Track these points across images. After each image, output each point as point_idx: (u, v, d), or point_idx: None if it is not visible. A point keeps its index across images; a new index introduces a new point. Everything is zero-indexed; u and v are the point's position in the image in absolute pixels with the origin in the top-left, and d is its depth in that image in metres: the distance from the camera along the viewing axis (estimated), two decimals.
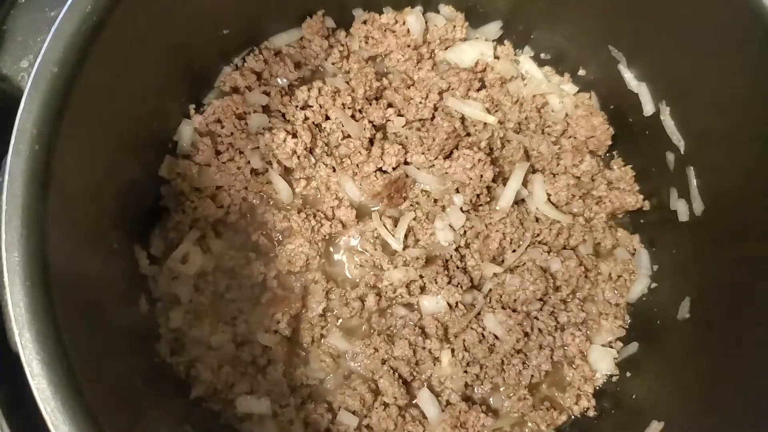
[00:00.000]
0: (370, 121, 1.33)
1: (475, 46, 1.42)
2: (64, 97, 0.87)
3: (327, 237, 1.31)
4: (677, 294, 1.24)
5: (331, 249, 1.33)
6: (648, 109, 1.29)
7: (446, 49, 1.44)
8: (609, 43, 1.30)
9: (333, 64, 1.41)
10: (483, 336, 1.27)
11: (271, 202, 1.32)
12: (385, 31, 1.40)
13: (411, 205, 1.34)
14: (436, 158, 1.32)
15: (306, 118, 1.32)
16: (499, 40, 1.46)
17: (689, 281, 1.24)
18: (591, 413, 1.29)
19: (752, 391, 1.01)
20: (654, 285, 1.34)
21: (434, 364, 1.26)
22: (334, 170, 1.33)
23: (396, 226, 1.31)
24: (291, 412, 1.20)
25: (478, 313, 1.28)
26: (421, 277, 1.28)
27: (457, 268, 1.29)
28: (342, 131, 1.32)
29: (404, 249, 1.30)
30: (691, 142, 1.22)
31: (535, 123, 1.41)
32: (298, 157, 1.30)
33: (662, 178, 1.29)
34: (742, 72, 1.04)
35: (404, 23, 1.40)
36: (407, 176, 1.33)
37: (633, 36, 1.25)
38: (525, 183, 1.34)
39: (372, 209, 1.34)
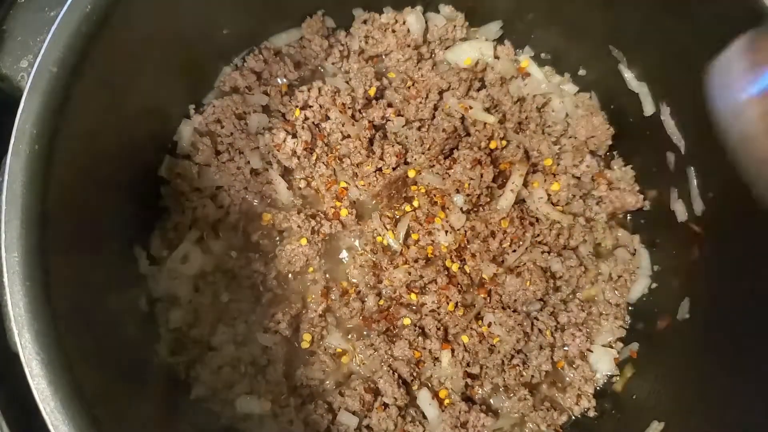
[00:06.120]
0: (370, 121, 1.33)
1: (475, 46, 1.42)
2: (63, 97, 0.87)
3: (327, 237, 1.31)
4: (677, 294, 1.24)
5: (331, 249, 1.33)
6: (648, 109, 1.29)
7: (446, 48, 1.43)
8: (609, 43, 1.30)
9: (333, 63, 1.41)
10: (483, 336, 1.27)
11: (271, 203, 1.32)
12: (385, 30, 1.40)
13: (411, 206, 1.34)
14: (436, 158, 1.32)
15: (306, 118, 1.32)
16: (500, 40, 1.45)
17: (689, 281, 1.24)
18: (591, 413, 1.29)
19: (752, 391, 1.01)
20: (654, 285, 1.34)
21: (434, 365, 1.26)
22: (334, 171, 1.33)
23: (396, 226, 1.31)
24: (291, 413, 1.20)
25: (478, 314, 1.28)
26: (421, 277, 1.28)
27: (458, 268, 1.29)
28: (342, 131, 1.32)
29: (404, 249, 1.30)
30: (691, 142, 1.22)
31: (535, 123, 1.40)
32: (298, 157, 1.30)
33: (662, 178, 1.29)
34: None
35: (404, 23, 1.40)
36: (407, 176, 1.33)
37: (633, 36, 1.25)
38: (525, 183, 1.34)
39: (372, 209, 1.34)
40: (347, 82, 1.37)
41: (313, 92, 1.33)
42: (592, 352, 1.31)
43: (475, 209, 1.33)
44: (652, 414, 1.17)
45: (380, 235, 1.30)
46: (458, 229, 1.31)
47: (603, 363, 1.31)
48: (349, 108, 1.32)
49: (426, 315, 1.28)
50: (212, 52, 1.32)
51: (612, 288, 1.34)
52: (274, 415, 1.21)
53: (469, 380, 1.26)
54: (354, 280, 1.31)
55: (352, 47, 1.42)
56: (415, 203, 1.34)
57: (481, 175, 1.28)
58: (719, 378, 1.09)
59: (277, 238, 1.31)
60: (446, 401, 1.25)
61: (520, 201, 1.35)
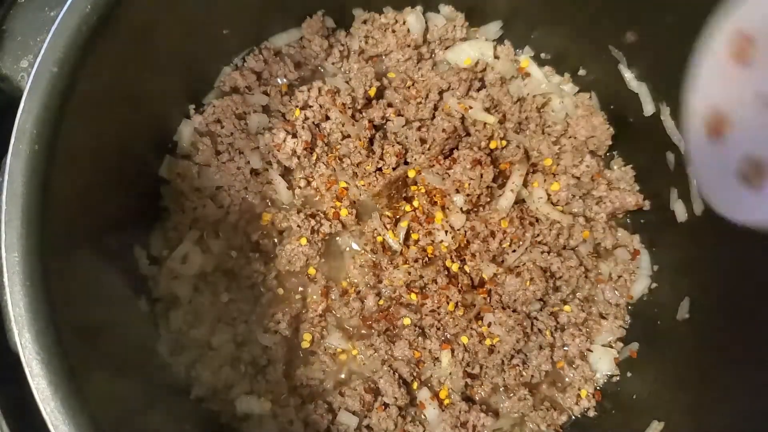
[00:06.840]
0: (370, 121, 1.33)
1: (475, 46, 1.42)
2: (63, 97, 0.87)
3: (327, 237, 1.31)
4: (677, 294, 1.24)
5: (331, 249, 1.33)
6: (648, 109, 1.29)
7: (446, 49, 1.43)
8: (609, 43, 1.30)
9: (333, 63, 1.41)
10: (483, 336, 1.27)
11: (271, 203, 1.32)
12: (385, 30, 1.40)
13: (411, 206, 1.34)
14: (436, 158, 1.32)
15: (306, 118, 1.32)
16: (499, 40, 1.45)
17: (689, 281, 1.24)
18: (591, 413, 1.29)
19: (752, 391, 1.01)
20: (654, 285, 1.34)
21: (434, 365, 1.26)
22: (334, 170, 1.33)
23: (396, 226, 1.31)
24: (291, 413, 1.20)
25: (478, 314, 1.28)
26: (421, 277, 1.28)
27: (458, 268, 1.29)
28: (342, 131, 1.32)
29: (404, 249, 1.30)
30: None
31: (535, 123, 1.40)
32: (298, 157, 1.30)
33: (662, 178, 1.29)
34: None
35: (404, 23, 1.40)
36: (407, 176, 1.33)
37: (633, 36, 1.25)
38: (525, 183, 1.34)
39: (372, 209, 1.34)
40: (347, 82, 1.37)
41: (313, 92, 1.33)
42: (592, 352, 1.31)
43: (475, 209, 1.33)
44: (652, 414, 1.17)
45: (380, 235, 1.30)
46: (458, 229, 1.31)
47: (603, 363, 1.31)
48: (349, 108, 1.32)
49: (426, 315, 1.28)
50: (212, 52, 1.32)
51: (612, 288, 1.34)
52: (274, 415, 1.21)
53: (469, 380, 1.26)
54: (354, 280, 1.31)
55: (352, 47, 1.42)
56: (415, 203, 1.34)
57: (481, 175, 1.28)
58: (719, 378, 1.09)
59: (278, 238, 1.31)
60: (446, 401, 1.25)
61: (520, 201, 1.35)
